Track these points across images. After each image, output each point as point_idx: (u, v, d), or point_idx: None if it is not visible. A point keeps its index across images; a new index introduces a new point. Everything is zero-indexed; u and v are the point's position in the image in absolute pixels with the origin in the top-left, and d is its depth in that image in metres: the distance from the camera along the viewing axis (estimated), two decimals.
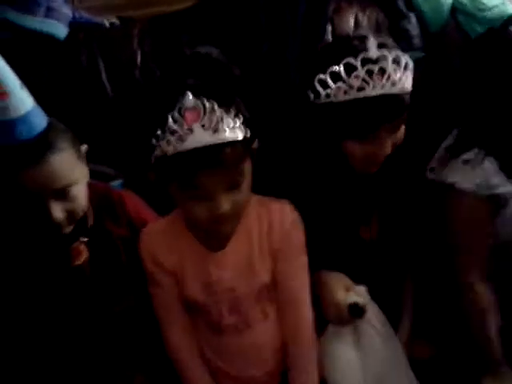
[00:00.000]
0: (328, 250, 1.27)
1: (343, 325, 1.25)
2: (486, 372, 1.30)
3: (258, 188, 1.18)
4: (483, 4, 1.72)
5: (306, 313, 1.21)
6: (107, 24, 1.75)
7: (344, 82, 1.11)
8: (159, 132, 0.99)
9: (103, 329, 1.22)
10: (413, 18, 1.74)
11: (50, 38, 1.63)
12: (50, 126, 1.08)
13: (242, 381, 1.22)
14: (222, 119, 0.97)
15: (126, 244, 1.22)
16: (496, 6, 1.72)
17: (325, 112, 1.17)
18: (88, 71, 1.62)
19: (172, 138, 0.97)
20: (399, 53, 1.13)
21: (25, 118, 1.03)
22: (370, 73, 1.10)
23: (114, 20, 1.78)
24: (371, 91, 1.10)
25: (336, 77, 1.12)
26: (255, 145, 1.10)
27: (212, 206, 1.03)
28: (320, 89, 1.14)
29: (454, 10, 1.75)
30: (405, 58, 1.13)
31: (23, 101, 1.03)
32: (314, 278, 1.25)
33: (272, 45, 1.73)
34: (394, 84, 1.11)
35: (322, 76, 1.13)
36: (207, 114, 0.97)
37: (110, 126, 1.66)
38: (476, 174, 1.25)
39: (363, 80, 1.10)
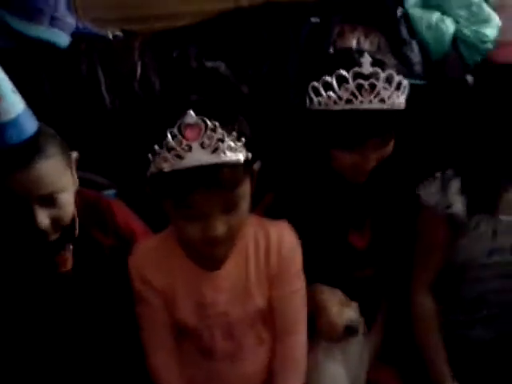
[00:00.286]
0: (319, 256, 1.26)
1: (335, 341, 1.24)
2: None
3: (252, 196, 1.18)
4: (486, 36, 1.74)
5: (302, 341, 1.17)
6: (110, 36, 1.76)
7: (335, 92, 1.14)
8: (157, 147, 0.95)
9: (87, 337, 1.20)
10: (415, 46, 1.76)
11: (52, 47, 1.65)
12: (39, 130, 1.07)
13: None
14: (222, 139, 0.94)
15: (113, 253, 1.20)
16: None
17: (316, 119, 1.20)
18: (88, 81, 1.63)
19: (169, 155, 0.93)
20: (393, 72, 1.15)
21: (15, 122, 1.02)
22: (359, 87, 1.12)
23: (118, 32, 1.79)
24: (359, 105, 1.13)
25: (328, 86, 1.14)
26: (256, 166, 1.06)
27: (206, 227, 0.98)
28: (313, 96, 1.17)
29: (456, 39, 1.76)
30: (398, 78, 1.15)
31: (14, 105, 1.03)
32: (307, 291, 1.24)
33: (273, 64, 1.75)
34: (382, 101, 1.13)
35: (315, 84, 1.16)
36: (208, 132, 0.93)
37: (107, 136, 1.66)
38: (438, 191, 1.29)
39: (352, 93, 1.12)
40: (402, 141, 1.27)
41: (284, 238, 1.13)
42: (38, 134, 1.06)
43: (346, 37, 1.75)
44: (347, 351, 1.25)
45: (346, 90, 1.13)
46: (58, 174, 1.07)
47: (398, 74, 1.16)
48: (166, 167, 0.94)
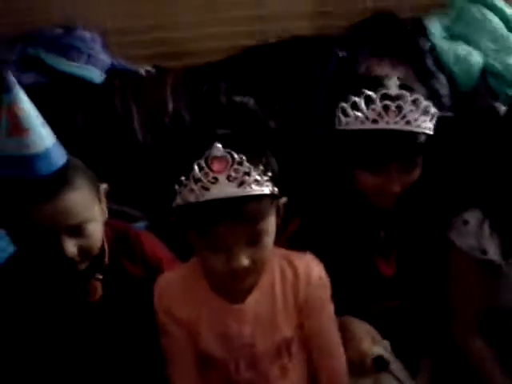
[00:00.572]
0: (346, 283, 1.26)
1: (364, 375, 1.22)
2: None
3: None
4: None
5: (341, 364, 1.17)
6: (143, 72, 1.82)
7: (362, 112, 1.17)
8: (183, 179, 0.95)
9: (114, 366, 1.21)
10: (442, 78, 1.77)
11: (86, 83, 1.71)
12: (68, 163, 1.11)
13: None
14: (249, 173, 0.94)
15: (142, 283, 1.21)
16: None
17: (343, 139, 1.23)
18: (121, 116, 1.68)
19: (195, 187, 0.94)
20: (420, 96, 1.17)
21: (44, 155, 1.05)
22: (386, 108, 1.15)
23: (150, 68, 1.85)
24: (384, 125, 1.15)
25: (356, 107, 1.18)
26: (283, 201, 1.06)
27: (230, 259, 0.98)
28: (341, 116, 1.20)
29: (485, 72, 1.77)
30: (426, 103, 1.17)
31: (43, 138, 1.06)
32: (338, 323, 1.24)
33: (300, 99, 1.77)
34: (408, 123, 1.15)
35: (344, 104, 1.19)
36: (235, 165, 0.93)
37: (139, 169, 1.71)
38: (471, 236, 1.26)
39: (379, 114, 1.15)
40: (431, 172, 1.27)
41: (311, 268, 1.13)
42: (67, 166, 1.09)
43: (373, 70, 1.76)
44: None
45: (373, 110, 1.16)
46: (86, 205, 1.10)
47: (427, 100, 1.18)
48: (192, 198, 0.95)
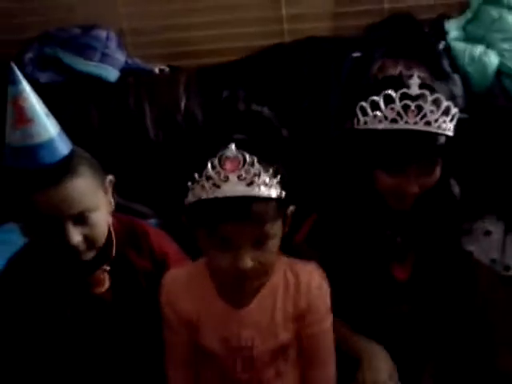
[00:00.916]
0: (358, 284, 1.27)
1: None
2: None
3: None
4: None
5: (332, 373, 1.18)
6: (157, 71, 1.84)
7: (381, 111, 1.15)
8: (196, 176, 0.99)
9: (119, 357, 1.22)
10: (457, 79, 1.75)
11: (101, 81, 1.74)
12: (73, 153, 1.12)
13: None
14: (259, 174, 0.97)
15: (148, 276, 1.23)
16: None
17: (361, 138, 1.21)
18: (134, 113, 1.70)
19: (207, 184, 0.97)
20: (441, 96, 1.14)
21: (48, 144, 1.07)
22: (405, 107, 1.12)
23: (164, 67, 1.87)
24: (404, 125, 1.13)
25: (375, 106, 1.16)
26: (290, 209, 1.09)
27: (236, 259, 1.01)
28: (360, 115, 1.18)
29: (500, 73, 1.75)
30: (447, 103, 1.14)
31: (47, 128, 1.08)
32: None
33: (313, 99, 1.77)
34: (428, 123, 1.12)
35: (363, 103, 1.17)
36: (246, 166, 0.97)
37: (150, 166, 1.73)
38: (493, 250, 1.22)
39: (398, 113, 1.13)
40: (447, 174, 1.25)
41: (313, 278, 1.15)
42: (71, 155, 1.11)
43: (388, 71, 1.76)
44: None
45: (392, 109, 1.13)
46: (90, 194, 1.11)
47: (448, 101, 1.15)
48: (203, 195, 0.98)
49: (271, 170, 0.99)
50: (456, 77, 1.75)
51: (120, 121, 1.71)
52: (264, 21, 1.95)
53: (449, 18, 1.88)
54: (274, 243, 1.04)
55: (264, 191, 0.98)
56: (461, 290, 1.28)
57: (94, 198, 1.12)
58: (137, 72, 1.81)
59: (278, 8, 1.93)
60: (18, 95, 1.04)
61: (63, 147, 1.10)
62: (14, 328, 1.21)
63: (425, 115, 1.12)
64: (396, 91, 1.13)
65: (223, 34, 1.93)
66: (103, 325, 1.21)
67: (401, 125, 1.13)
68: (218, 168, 0.97)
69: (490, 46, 1.78)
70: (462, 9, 1.90)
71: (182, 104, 1.73)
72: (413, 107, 1.12)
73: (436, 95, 1.13)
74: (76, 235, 1.09)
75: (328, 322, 1.17)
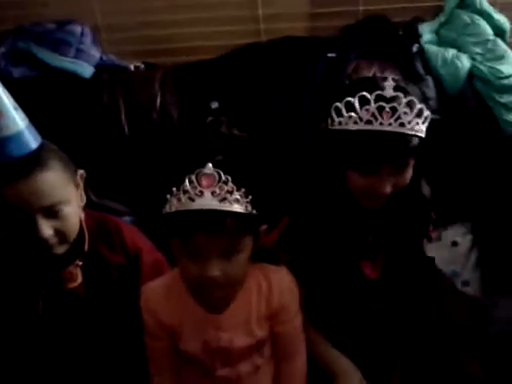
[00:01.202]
0: (331, 288, 1.29)
1: None
2: None
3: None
4: (501, 72, 1.75)
5: (303, 366, 1.27)
6: (132, 68, 1.83)
7: (356, 112, 1.16)
8: (174, 189, 1.06)
9: (93, 353, 1.23)
10: (430, 81, 1.78)
11: (76, 77, 1.73)
12: (42, 146, 1.13)
13: None
14: (231, 192, 1.05)
15: (121, 271, 1.24)
16: None
17: (335, 139, 1.23)
18: (108, 110, 1.69)
19: (183, 197, 1.05)
20: (415, 99, 1.17)
21: (16, 137, 1.07)
22: (380, 109, 1.14)
23: (140, 64, 1.86)
24: (378, 126, 1.15)
25: (350, 107, 1.17)
26: (262, 228, 1.17)
27: (203, 267, 1.08)
28: (334, 116, 1.20)
29: (472, 76, 1.78)
30: (420, 105, 1.17)
31: (15, 121, 1.08)
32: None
33: (288, 99, 1.78)
34: (402, 125, 1.14)
35: (338, 104, 1.19)
36: (220, 183, 1.05)
37: (126, 164, 1.72)
38: (457, 262, 1.23)
39: (373, 114, 1.15)
40: (420, 175, 1.28)
41: (284, 282, 1.23)
42: (41, 149, 1.11)
43: (363, 72, 1.78)
44: None
45: (367, 111, 1.15)
46: (60, 187, 1.11)
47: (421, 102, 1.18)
48: (179, 207, 1.06)
49: (244, 190, 1.07)
50: (429, 79, 1.79)
51: (94, 118, 1.70)
52: (241, 20, 1.95)
53: (423, 21, 1.91)
54: (242, 257, 1.12)
55: (235, 207, 1.06)
56: (425, 291, 1.31)
57: (64, 191, 1.12)
58: (112, 69, 1.80)
59: (255, 7, 1.94)
60: None
61: (32, 141, 1.09)
62: None
63: (399, 117, 1.14)
64: (371, 93, 1.15)
65: (200, 32, 1.93)
66: (76, 319, 1.21)
67: (375, 126, 1.15)
68: (195, 183, 1.05)
69: (462, 49, 1.81)
70: (436, 13, 1.93)
71: (158, 101, 1.72)
72: (387, 109, 1.14)
73: (410, 97, 1.15)
74: (47, 228, 1.09)
75: (298, 320, 1.25)
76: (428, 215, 1.36)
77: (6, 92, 1.08)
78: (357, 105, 1.16)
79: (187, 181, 1.05)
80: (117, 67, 1.82)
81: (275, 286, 1.21)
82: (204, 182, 1.04)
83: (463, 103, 1.77)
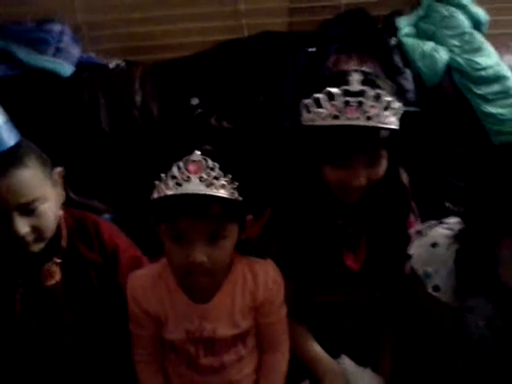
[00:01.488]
0: (313, 276, 1.31)
1: None
2: None
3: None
4: (478, 64, 1.77)
5: (285, 357, 1.30)
6: (112, 65, 1.83)
7: (324, 108, 1.18)
8: (163, 175, 1.08)
9: (72, 351, 1.23)
10: (408, 74, 1.80)
11: (55, 76, 1.73)
12: (20, 143, 1.13)
13: None
14: (218, 178, 1.07)
15: (99, 268, 1.24)
16: (490, 67, 1.77)
17: (306, 135, 1.24)
18: (88, 107, 1.70)
19: (171, 183, 1.06)
20: (382, 92, 1.18)
21: None
22: (346, 103, 1.16)
23: (120, 62, 1.86)
24: (345, 121, 1.16)
25: (318, 103, 1.19)
26: (248, 218, 1.19)
27: (188, 252, 1.09)
28: (304, 112, 1.22)
29: (450, 68, 1.80)
30: (388, 98, 1.18)
31: None
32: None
33: (269, 94, 1.79)
34: (369, 118, 1.16)
35: (306, 101, 1.20)
36: (207, 169, 1.07)
37: (107, 162, 1.72)
38: (432, 264, 1.20)
39: (339, 109, 1.16)
40: (396, 166, 1.29)
41: (269, 274, 1.24)
42: (18, 146, 1.11)
43: (342, 65, 1.79)
44: None
45: (334, 106, 1.16)
46: (37, 184, 1.12)
47: (392, 96, 1.19)
48: (166, 192, 1.08)
49: (229, 176, 1.09)
50: (407, 71, 1.80)
51: (75, 116, 1.70)
52: (222, 16, 1.95)
53: (401, 14, 1.93)
54: (227, 243, 1.13)
55: (221, 192, 1.08)
56: (404, 283, 1.32)
57: (41, 188, 1.12)
58: (92, 67, 1.80)
59: (236, 3, 1.94)
60: None
61: (9, 138, 1.10)
62: None
63: (366, 111, 1.15)
64: (338, 88, 1.16)
65: (181, 29, 1.93)
66: (54, 317, 1.21)
67: (342, 121, 1.16)
68: (183, 169, 1.07)
69: (440, 42, 1.83)
70: (414, 6, 1.95)
71: (138, 99, 1.73)
72: (354, 103, 1.15)
73: (377, 91, 1.16)
74: (23, 226, 1.09)
75: (283, 311, 1.27)
76: (407, 204, 1.37)
77: None
78: (325, 101, 1.17)
79: (175, 167, 1.07)
80: (97, 65, 1.82)
81: (261, 280, 1.22)
82: (191, 168, 1.07)
83: (442, 95, 1.79)
